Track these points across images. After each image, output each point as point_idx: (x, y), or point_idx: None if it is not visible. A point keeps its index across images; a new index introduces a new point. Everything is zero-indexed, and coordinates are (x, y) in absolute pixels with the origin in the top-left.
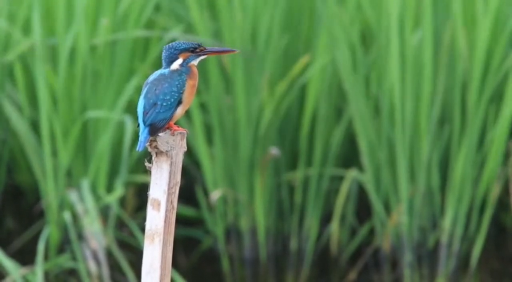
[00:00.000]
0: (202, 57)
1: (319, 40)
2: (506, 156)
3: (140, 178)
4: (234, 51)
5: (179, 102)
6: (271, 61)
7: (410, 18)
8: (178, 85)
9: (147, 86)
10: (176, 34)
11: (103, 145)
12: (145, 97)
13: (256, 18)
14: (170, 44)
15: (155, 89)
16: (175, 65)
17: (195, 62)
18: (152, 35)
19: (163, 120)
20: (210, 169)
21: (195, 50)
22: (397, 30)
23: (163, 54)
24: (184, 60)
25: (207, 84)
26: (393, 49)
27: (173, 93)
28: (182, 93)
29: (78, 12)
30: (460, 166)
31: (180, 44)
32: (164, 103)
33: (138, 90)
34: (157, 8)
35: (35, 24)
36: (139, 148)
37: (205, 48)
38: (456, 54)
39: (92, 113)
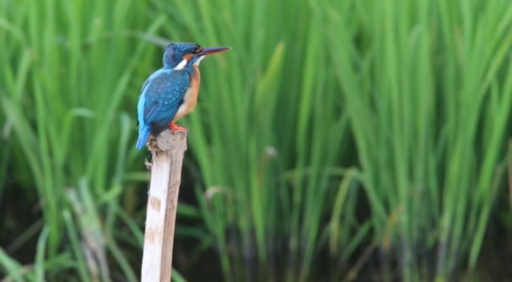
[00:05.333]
0: (202, 57)
1: (313, 38)
2: (503, 154)
3: (139, 176)
4: (227, 48)
5: (181, 101)
6: (265, 59)
7: (405, 17)
8: (181, 84)
9: (148, 84)
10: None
11: (99, 143)
12: (146, 95)
13: (249, 16)
14: (172, 44)
15: (157, 88)
16: (180, 66)
17: (197, 62)
18: (142, 35)
19: (165, 119)
20: (208, 168)
21: (196, 50)
22: (392, 30)
23: (166, 54)
24: (188, 61)
25: (205, 84)
26: (389, 49)
27: (175, 92)
28: (184, 92)
29: (70, 11)
30: (456, 165)
31: (182, 46)
32: (166, 102)
33: (132, 87)
34: (152, 7)
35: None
36: (138, 145)
37: (203, 48)
38: (449, 52)
39: (82, 111)
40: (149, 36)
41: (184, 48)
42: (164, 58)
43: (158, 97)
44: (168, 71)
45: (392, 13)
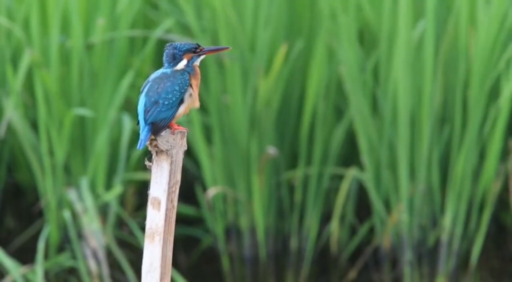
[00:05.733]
0: (202, 57)
1: (319, 38)
2: (505, 154)
3: (139, 176)
4: (227, 48)
5: (181, 101)
6: (269, 58)
7: (411, 17)
8: (181, 84)
9: (149, 84)
10: (171, 35)
11: (101, 143)
12: (146, 95)
13: (255, 16)
14: (172, 44)
15: (157, 88)
16: (181, 65)
17: (197, 62)
18: (147, 35)
19: (165, 119)
20: (209, 168)
21: (196, 50)
22: (403, 28)
23: (166, 53)
24: (188, 61)
25: (206, 84)
26: (397, 48)
27: (175, 92)
28: (184, 92)
29: (73, 11)
30: (461, 164)
31: (182, 45)
32: (166, 102)
33: (132, 87)
34: (154, 6)
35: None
36: (139, 146)
37: (203, 48)
38: (457, 52)
39: (82, 111)
40: (160, 33)
41: (184, 48)
42: (164, 57)
43: (158, 97)
44: (168, 71)
45: (404, 11)
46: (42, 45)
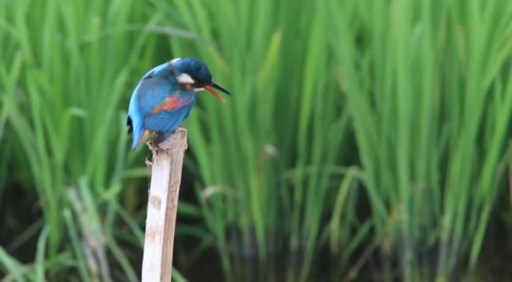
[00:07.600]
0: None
1: (315, 37)
2: (505, 152)
3: (139, 174)
4: (228, 93)
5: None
6: (266, 56)
7: (409, 14)
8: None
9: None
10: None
11: (99, 142)
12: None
13: (250, 12)
14: (199, 63)
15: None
16: (186, 80)
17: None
18: (141, 29)
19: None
20: (208, 167)
21: (203, 84)
22: (399, 28)
23: (185, 62)
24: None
25: None
26: (392, 46)
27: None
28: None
29: (68, 11)
30: (458, 163)
31: (205, 72)
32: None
33: (130, 86)
34: (151, 4)
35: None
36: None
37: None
38: (453, 50)
39: (78, 111)
40: (150, 27)
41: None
42: (179, 64)
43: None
44: (170, 78)
45: (397, 9)
46: (38, 45)
